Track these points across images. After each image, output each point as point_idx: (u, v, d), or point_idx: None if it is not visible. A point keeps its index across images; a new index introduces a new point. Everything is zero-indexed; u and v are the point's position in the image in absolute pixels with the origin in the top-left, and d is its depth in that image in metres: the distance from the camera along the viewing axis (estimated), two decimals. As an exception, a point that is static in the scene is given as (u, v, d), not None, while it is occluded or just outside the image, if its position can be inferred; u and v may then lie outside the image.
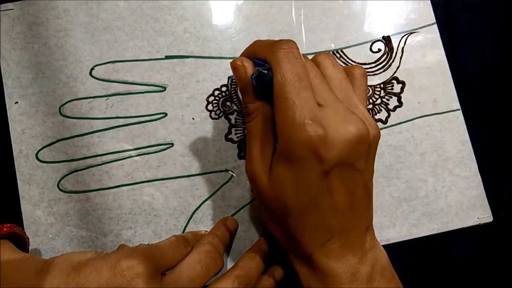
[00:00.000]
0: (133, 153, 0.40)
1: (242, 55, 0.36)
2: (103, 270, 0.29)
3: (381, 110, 0.42)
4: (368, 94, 0.42)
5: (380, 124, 0.42)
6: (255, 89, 0.33)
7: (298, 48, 0.32)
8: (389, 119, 0.42)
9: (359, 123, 0.31)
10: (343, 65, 0.42)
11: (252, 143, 0.34)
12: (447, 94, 0.43)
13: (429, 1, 0.44)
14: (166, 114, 0.41)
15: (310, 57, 0.36)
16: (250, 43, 0.42)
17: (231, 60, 0.34)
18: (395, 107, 0.42)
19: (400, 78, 0.43)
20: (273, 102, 0.31)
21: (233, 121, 0.41)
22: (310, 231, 0.32)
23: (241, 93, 0.35)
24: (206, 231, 0.39)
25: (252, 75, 0.32)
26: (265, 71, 0.32)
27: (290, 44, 0.32)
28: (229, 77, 0.42)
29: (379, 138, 0.34)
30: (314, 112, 0.30)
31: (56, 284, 0.28)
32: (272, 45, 0.32)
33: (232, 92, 0.42)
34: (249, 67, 0.33)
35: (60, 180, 0.40)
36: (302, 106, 0.30)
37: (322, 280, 0.32)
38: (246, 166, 0.35)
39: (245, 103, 0.34)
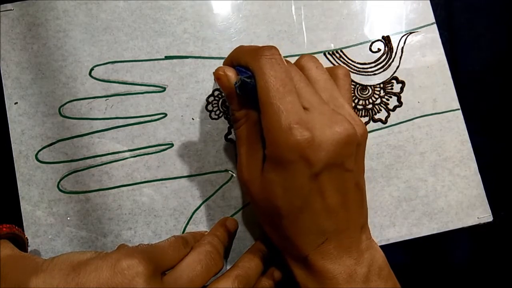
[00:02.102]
0: (133, 153, 0.40)
1: (225, 61, 0.36)
2: (103, 269, 0.29)
3: (380, 110, 0.42)
4: (368, 94, 0.42)
5: (379, 124, 0.42)
6: (240, 97, 0.33)
7: (280, 54, 0.32)
8: (388, 119, 0.42)
9: (345, 123, 0.31)
10: (343, 65, 0.42)
11: (241, 149, 0.34)
12: (446, 94, 0.43)
13: (429, 1, 0.44)
14: (165, 115, 0.41)
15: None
16: (250, 43, 0.42)
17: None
18: (395, 107, 0.42)
19: (400, 78, 0.43)
20: (259, 108, 0.31)
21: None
22: (304, 233, 0.32)
23: (227, 100, 0.35)
24: (206, 231, 0.39)
25: (236, 83, 0.33)
26: (248, 79, 0.32)
27: (272, 50, 0.32)
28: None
29: (367, 136, 0.34)
30: (300, 115, 0.30)
31: (55, 283, 0.28)
32: (254, 52, 0.32)
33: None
34: (232, 75, 0.33)
35: (60, 180, 0.40)
36: (287, 111, 0.30)
37: (319, 281, 0.32)
38: (238, 172, 0.35)
39: (232, 110, 0.35)
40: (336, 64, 0.42)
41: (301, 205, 0.31)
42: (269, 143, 0.31)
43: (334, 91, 0.34)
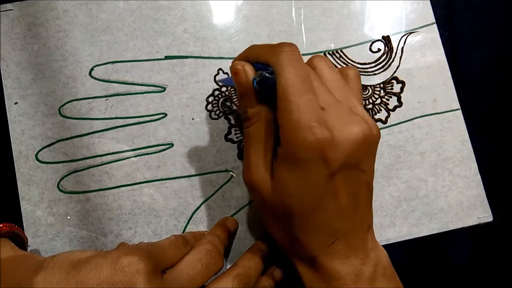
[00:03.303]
0: (133, 153, 0.40)
1: (238, 59, 0.35)
2: (104, 267, 0.29)
3: (381, 110, 0.42)
4: (368, 94, 0.42)
5: (380, 124, 0.42)
6: (257, 93, 0.33)
7: (299, 51, 0.32)
8: (389, 119, 0.42)
9: (363, 123, 0.31)
10: (344, 65, 0.42)
11: (250, 149, 0.34)
12: (446, 94, 0.43)
13: (429, 1, 0.44)
14: (166, 115, 0.41)
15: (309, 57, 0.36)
16: (250, 43, 0.42)
17: (231, 61, 0.34)
18: (395, 107, 0.42)
19: (400, 78, 0.43)
20: (275, 105, 0.31)
21: (233, 121, 0.41)
22: (314, 234, 0.32)
23: (241, 97, 0.34)
24: (206, 231, 0.39)
25: (254, 79, 0.32)
26: (269, 75, 0.31)
27: (292, 47, 0.32)
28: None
29: (380, 137, 0.34)
30: (319, 114, 0.30)
31: (55, 281, 0.28)
32: (274, 48, 0.32)
33: (232, 92, 0.42)
34: (250, 71, 0.32)
35: (60, 180, 0.40)
36: (306, 109, 0.30)
37: (326, 282, 0.32)
38: (245, 173, 0.34)
39: (245, 108, 0.34)
40: (337, 64, 0.42)
41: (314, 205, 0.31)
42: (285, 141, 0.30)
43: (347, 91, 0.34)
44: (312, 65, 0.35)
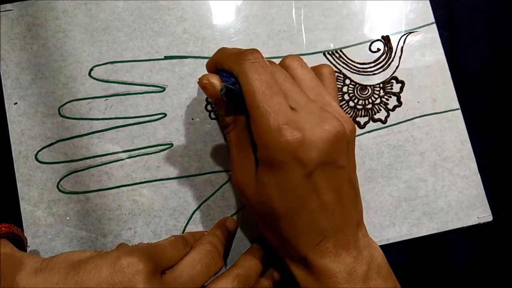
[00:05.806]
0: (132, 153, 0.40)
1: (208, 63, 0.36)
2: (103, 267, 0.29)
3: (380, 109, 0.42)
4: (368, 94, 0.42)
5: (379, 124, 0.42)
6: (227, 103, 0.33)
7: (263, 57, 0.32)
8: (388, 119, 0.42)
9: (334, 121, 0.31)
10: (343, 65, 0.42)
11: (233, 153, 0.34)
12: (446, 94, 0.43)
13: (428, 1, 0.44)
14: (165, 115, 0.41)
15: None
16: (250, 43, 0.42)
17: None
18: (395, 107, 0.42)
19: (400, 78, 0.43)
20: (247, 112, 0.32)
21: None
22: (302, 233, 0.32)
23: (216, 107, 0.35)
24: (206, 231, 0.39)
25: (221, 90, 0.33)
26: (232, 86, 0.32)
27: (255, 54, 0.32)
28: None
29: (355, 132, 0.34)
30: (288, 116, 0.30)
31: (55, 282, 0.28)
32: (238, 57, 0.32)
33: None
34: (216, 82, 0.33)
35: (60, 180, 0.40)
36: (275, 112, 0.30)
37: (319, 281, 0.32)
38: (232, 176, 0.35)
39: (221, 116, 0.35)
40: (336, 64, 0.42)
41: (297, 205, 0.31)
42: (260, 146, 0.31)
43: (320, 89, 0.35)
44: (285, 65, 0.35)
